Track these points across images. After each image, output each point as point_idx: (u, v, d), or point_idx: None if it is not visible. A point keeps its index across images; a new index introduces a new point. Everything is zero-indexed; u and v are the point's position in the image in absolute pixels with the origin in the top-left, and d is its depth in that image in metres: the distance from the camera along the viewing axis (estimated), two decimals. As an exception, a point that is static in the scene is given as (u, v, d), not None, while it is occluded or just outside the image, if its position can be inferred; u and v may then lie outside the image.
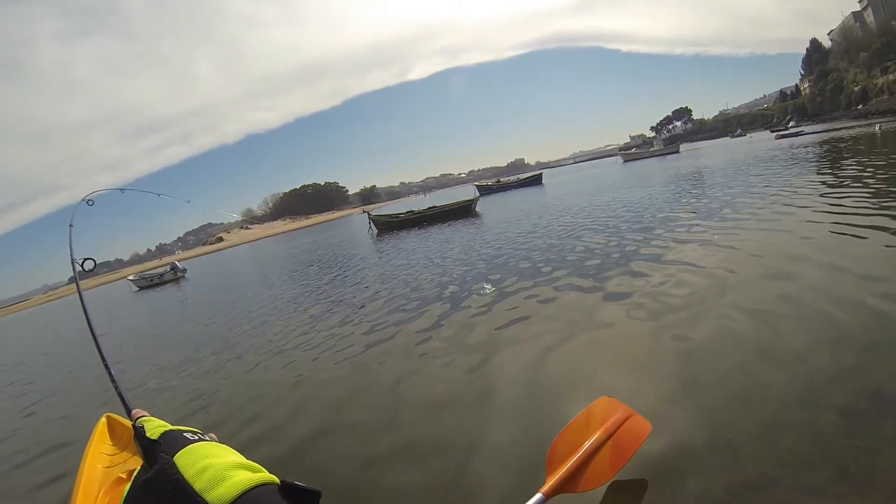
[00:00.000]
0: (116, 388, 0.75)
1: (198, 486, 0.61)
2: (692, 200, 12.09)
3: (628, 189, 19.69)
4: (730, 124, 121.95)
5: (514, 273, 8.03)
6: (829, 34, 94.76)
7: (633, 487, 2.25)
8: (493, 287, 7.36)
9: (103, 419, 3.01)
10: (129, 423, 2.96)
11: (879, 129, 28.52)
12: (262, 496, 0.68)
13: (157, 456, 0.64)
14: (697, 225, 8.65)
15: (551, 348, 4.43)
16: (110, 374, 0.74)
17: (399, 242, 18.29)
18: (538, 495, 1.73)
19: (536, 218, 15.82)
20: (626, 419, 2.34)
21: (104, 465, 2.58)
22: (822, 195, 9.19)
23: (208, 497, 0.59)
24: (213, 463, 0.72)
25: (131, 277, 31.15)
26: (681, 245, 7.29)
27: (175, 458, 0.70)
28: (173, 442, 0.79)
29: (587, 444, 2.10)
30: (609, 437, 2.20)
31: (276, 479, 0.76)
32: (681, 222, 9.32)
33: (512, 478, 2.57)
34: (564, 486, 1.88)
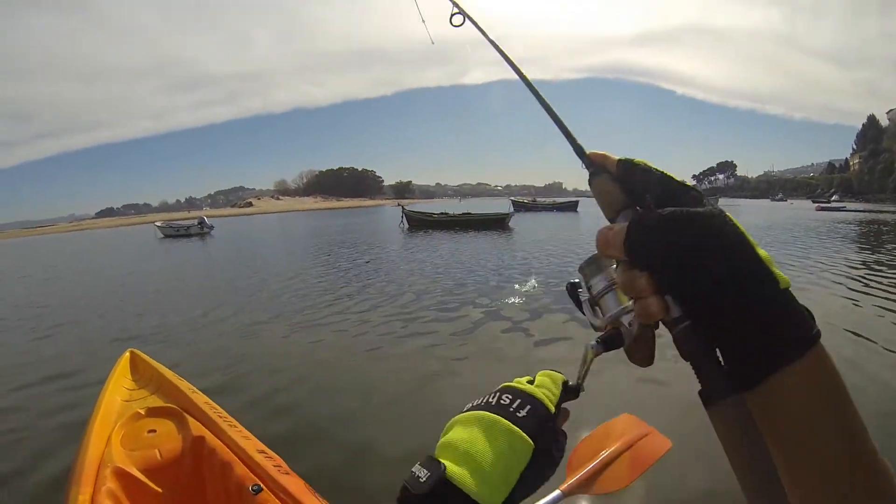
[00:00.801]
0: (568, 135, 0.49)
1: (761, 253, 0.43)
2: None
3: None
4: (772, 187, 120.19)
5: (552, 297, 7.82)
6: (888, 113, 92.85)
7: (646, 494, 2.44)
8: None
9: (127, 354, 2.89)
10: (153, 360, 2.82)
11: None
12: None
13: (686, 197, 0.47)
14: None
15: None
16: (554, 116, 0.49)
17: (430, 241, 18.29)
18: (557, 492, 1.61)
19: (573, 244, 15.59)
20: (646, 434, 2.13)
21: (123, 399, 2.43)
22: (859, 274, 9.18)
23: (773, 269, 0.42)
24: None
25: (159, 224, 31.20)
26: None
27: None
28: None
29: (606, 452, 1.94)
30: (628, 447, 2.04)
31: None
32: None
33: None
34: (582, 486, 1.72)
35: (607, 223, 0.50)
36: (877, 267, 9.92)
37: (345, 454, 3.32)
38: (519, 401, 0.56)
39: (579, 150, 0.58)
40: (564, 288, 0.58)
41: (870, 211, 39.66)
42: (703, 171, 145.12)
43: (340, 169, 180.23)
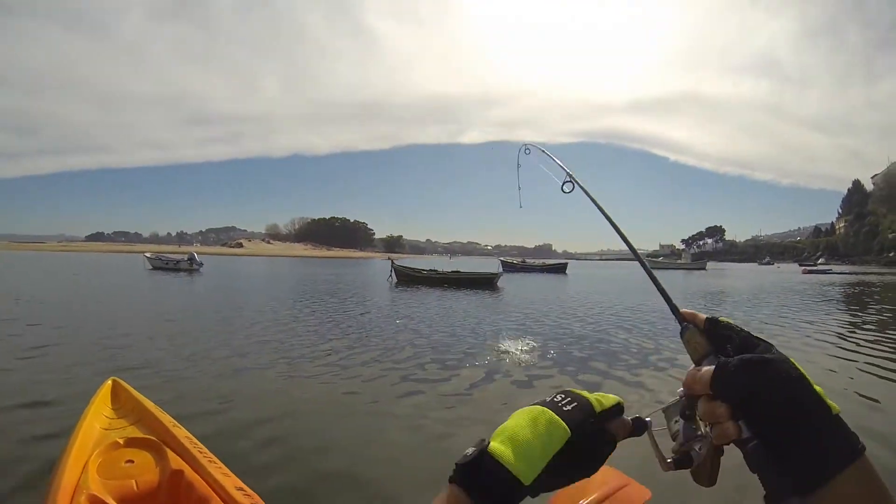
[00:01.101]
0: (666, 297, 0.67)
1: (816, 388, 0.58)
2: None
3: (649, 295, 19.66)
4: (760, 251, 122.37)
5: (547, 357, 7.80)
6: (872, 178, 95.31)
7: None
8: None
9: (108, 382, 2.87)
10: (134, 391, 2.81)
11: None
12: None
13: (759, 347, 0.63)
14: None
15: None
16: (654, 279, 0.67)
17: (419, 297, 18.25)
18: None
19: (557, 308, 15.59)
20: (626, 485, 2.21)
21: (102, 427, 2.41)
22: (847, 334, 9.43)
23: (826, 400, 0.57)
24: None
25: (148, 255, 31.14)
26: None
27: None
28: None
29: (586, 500, 1.96)
30: (606, 498, 2.06)
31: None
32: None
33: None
34: None
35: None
36: (864, 326, 10.32)
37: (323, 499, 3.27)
38: (568, 399, 0.65)
39: (674, 309, 0.72)
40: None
41: (855, 273, 40.27)
42: (693, 235, 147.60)
43: (333, 218, 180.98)
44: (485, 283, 25.82)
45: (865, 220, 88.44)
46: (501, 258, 57.41)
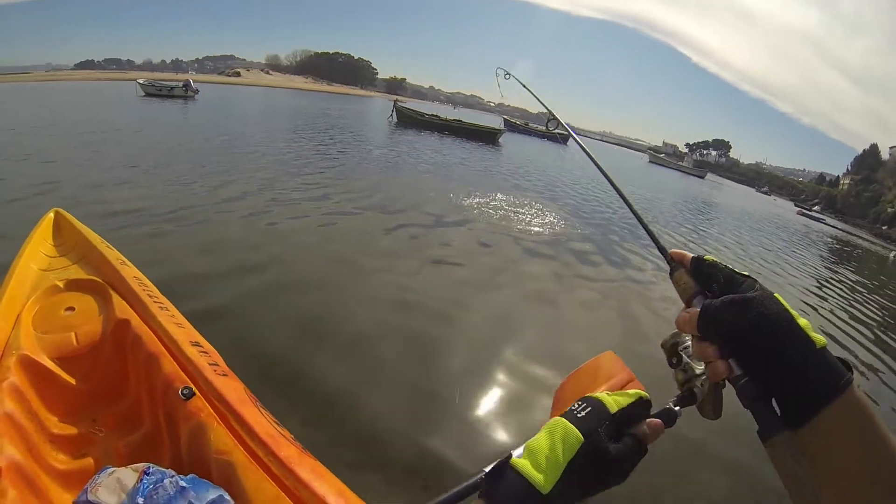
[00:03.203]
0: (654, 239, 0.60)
1: (801, 322, 0.58)
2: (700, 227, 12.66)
3: (650, 190, 19.59)
4: (760, 178, 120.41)
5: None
6: (891, 148, 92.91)
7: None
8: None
9: (51, 214, 2.42)
10: (80, 224, 2.38)
11: (894, 256, 28.15)
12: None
13: (743, 285, 0.63)
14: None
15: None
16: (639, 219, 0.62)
17: (416, 140, 17.77)
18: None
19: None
20: (630, 381, 2.21)
21: (41, 267, 2.04)
22: (816, 284, 9.61)
23: (811, 334, 0.57)
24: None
25: (142, 81, 29.63)
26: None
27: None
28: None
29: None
30: (611, 390, 2.17)
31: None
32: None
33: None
34: None
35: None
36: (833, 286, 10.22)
37: (290, 353, 3.02)
38: (584, 405, 0.62)
39: (662, 250, 0.77)
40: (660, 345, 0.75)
41: (845, 231, 40.52)
42: (698, 142, 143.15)
43: (336, 53, 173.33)
44: (487, 136, 25.23)
45: (871, 185, 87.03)
46: (505, 116, 56.15)
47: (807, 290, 8.65)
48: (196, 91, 29.03)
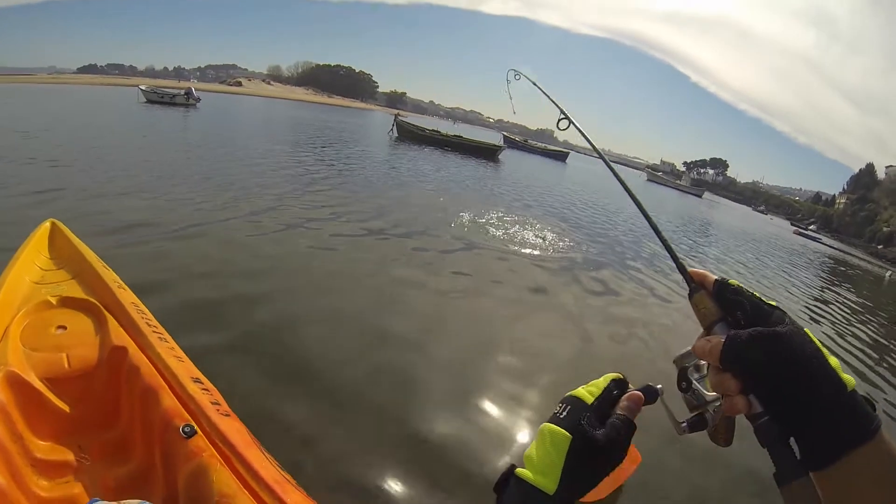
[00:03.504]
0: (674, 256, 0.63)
1: (832, 361, 0.55)
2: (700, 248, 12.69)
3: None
4: (757, 197, 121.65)
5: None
6: (887, 167, 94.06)
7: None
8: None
9: (46, 224, 2.32)
10: (76, 239, 2.29)
11: (889, 276, 28.10)
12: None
13: (772, 317, 0.58)
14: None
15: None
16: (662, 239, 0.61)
17: (417, 155, 17.79)
18: None
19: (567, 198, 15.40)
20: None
21: (33, 279, 1.95)
22: (812, 301, 9.64)
23: (842, 374, 0.55)
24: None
25: (143, 87, 29.63)
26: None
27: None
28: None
29: None
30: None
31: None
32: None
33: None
34: None
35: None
36: (830, 304, 10.25)
37: (299, 391, 2.90)
38: (563, 405, 0.64)
39: (681, 269, 0.69)
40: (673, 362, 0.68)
41: (841, 251, 40.93)
42: (695, 161, 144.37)
43: (337, 66, 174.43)
44: (487, 152, 25.26)
45: (866, 204, 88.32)
46: (504, 133, 56.43)
47: (807, 309, 8.65)
48: (198, 99, 29.11)
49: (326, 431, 2.60)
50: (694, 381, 0.66)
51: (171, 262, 4.27)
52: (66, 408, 1.57)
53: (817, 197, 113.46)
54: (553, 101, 1.25)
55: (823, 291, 11.93)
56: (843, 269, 21.90)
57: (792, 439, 0.55)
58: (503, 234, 7.55)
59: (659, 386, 0.68)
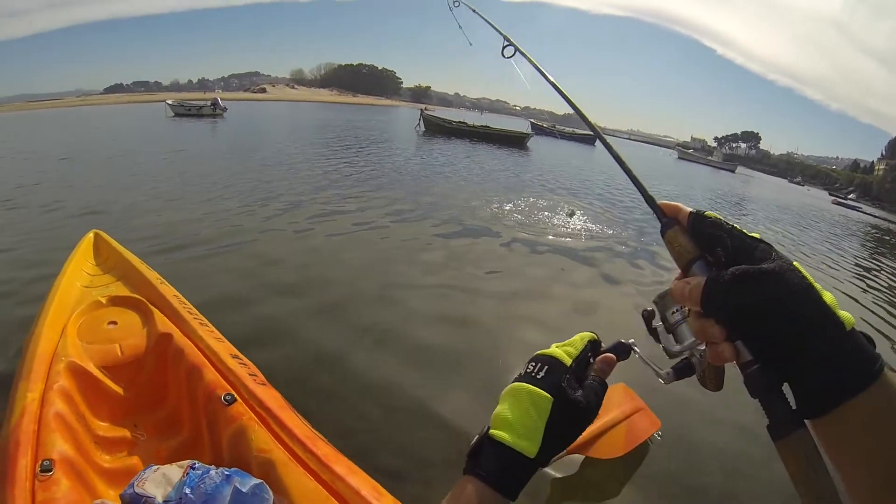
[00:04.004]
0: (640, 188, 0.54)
1: (826, 298, 0.50)
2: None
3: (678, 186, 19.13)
4: (792, 168, 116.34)
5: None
6: None
7: (634, 465, 2.50)
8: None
9: (90, 235, 2.64)
10: (118, 245, 2.57)
11: None
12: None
13: (756, 252, 0.52)
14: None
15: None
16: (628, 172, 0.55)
17: (446, 148, 17.78)
18: None
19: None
20: (641, 409, 2.61)
21: (83, 284, 2.21)
22: (856, 275, 8.90)
23: (839, 312, 0.49)
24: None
25: (170, 102, 30.26)
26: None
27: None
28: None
29: (605, 419, 2.32)
30: (625, 418, 2.46)
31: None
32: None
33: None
34: (580, 448, 2.08)
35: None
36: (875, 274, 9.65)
37: (324, 367, 3.04)
38: (539, 364, 0.63)
39: (650, 201, 0.63)
40: (640, 314, 0.64)
41: (884, 218, 38.15)
42: (727, 135, 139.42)
43: (360, 65, 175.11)
44: (515, 141, 25.09)
45: None
46: (532, 120, 55.74)
47: (852, 281, 8.24)
48: (224, 109, 29.38)
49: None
50: (681, 318, 0.60)
51: (216, 264, 4.46)
52: (121, 391, 1.79)
53: (855, 164, 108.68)
54: (495, 28, 1.16)
55: (871, 261, 11.44)
56: (886, 238, 20.44)
57: (786, 385, 0.51)
58: (557, 222, 7.57)
59: (631, 340, 0.67)
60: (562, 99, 0.94)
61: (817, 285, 0.49)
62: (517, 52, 1.05)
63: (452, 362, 3.27)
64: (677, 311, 0.60)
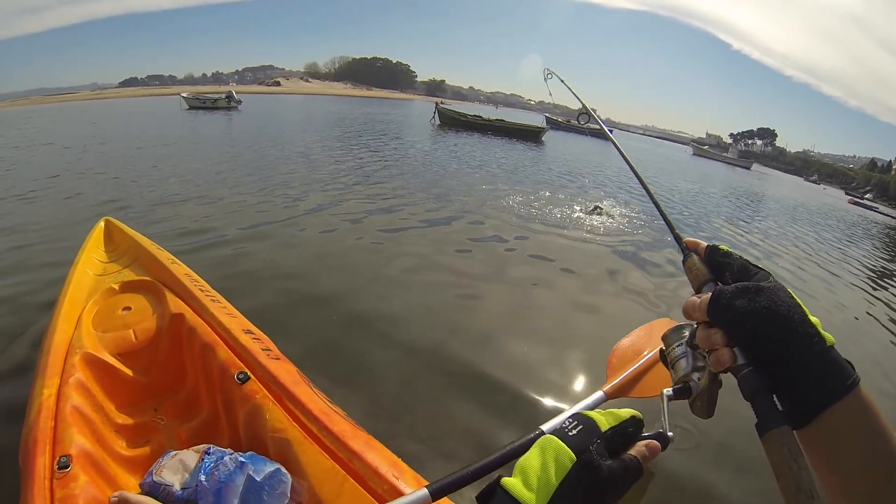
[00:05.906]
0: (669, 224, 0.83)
1: (812, 319, 0.59)
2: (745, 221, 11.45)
3: (695, 183, 18.72)
4: (808, 166, 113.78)
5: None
6: None
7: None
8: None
9: (101, 223, 2.66)
10: (129, 229, 2.58)
11: None
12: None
13: (757, 275, 0.64)
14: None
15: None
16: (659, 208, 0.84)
17: (462, 141, 17.72)
18: (600, 393, 1.79)
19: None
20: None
21: (96, 273, 2.21)
22: (871, 278, 8.32)
23: (822, 333, 0.58)
24: None
25: (185, 95, 30.39)
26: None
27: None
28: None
29: (646, 356, 2.17)
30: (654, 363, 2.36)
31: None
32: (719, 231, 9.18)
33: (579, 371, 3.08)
34: (622, 389, 2.02)
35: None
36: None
37: (341, 337, 3.02)
38: (575, 422, 0.62)
39: (677, 238, 0.79)
40: (661, 338, 0.79)
41: None
42: (742, 132, 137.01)
43: (374, 58, 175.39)
44: (530, 135, 24.96)
45: None
46: (547, 115, 55.45)
47: (874, 283, 7.73)
48: (239, 102, 29.43)
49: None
50: (688, 348, 0.72)
51: (244, 263, 4.28)
52: (138, 377, 1.78)
53: (872, 164, 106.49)
54: (578, 98, 1.46)
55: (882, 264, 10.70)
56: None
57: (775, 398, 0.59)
58: (577, 216, 7.48)
59: (671, 434, 0.68)
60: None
61: (805, 308, 0.59)
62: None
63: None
64: (681, 347, 0.73)
